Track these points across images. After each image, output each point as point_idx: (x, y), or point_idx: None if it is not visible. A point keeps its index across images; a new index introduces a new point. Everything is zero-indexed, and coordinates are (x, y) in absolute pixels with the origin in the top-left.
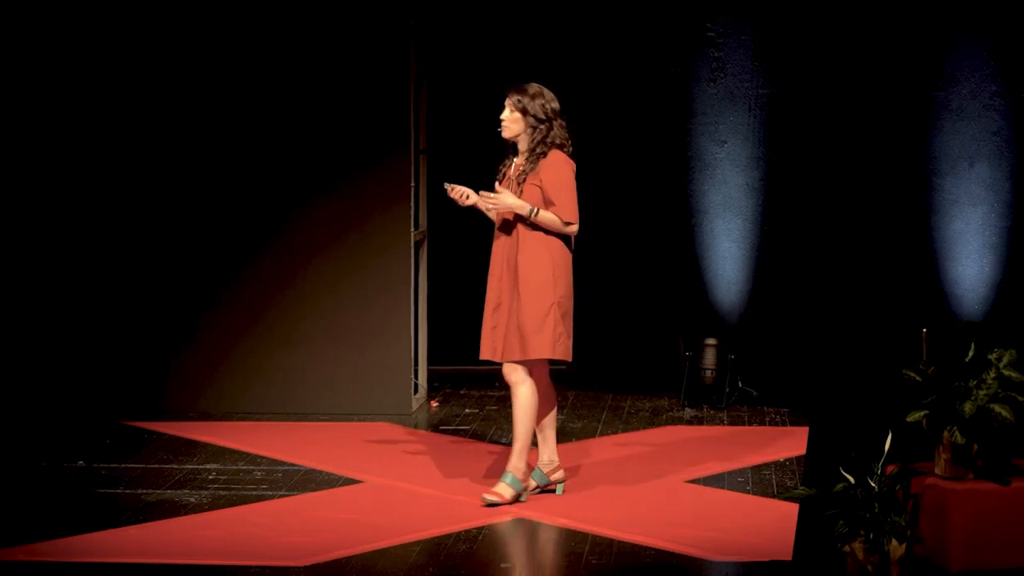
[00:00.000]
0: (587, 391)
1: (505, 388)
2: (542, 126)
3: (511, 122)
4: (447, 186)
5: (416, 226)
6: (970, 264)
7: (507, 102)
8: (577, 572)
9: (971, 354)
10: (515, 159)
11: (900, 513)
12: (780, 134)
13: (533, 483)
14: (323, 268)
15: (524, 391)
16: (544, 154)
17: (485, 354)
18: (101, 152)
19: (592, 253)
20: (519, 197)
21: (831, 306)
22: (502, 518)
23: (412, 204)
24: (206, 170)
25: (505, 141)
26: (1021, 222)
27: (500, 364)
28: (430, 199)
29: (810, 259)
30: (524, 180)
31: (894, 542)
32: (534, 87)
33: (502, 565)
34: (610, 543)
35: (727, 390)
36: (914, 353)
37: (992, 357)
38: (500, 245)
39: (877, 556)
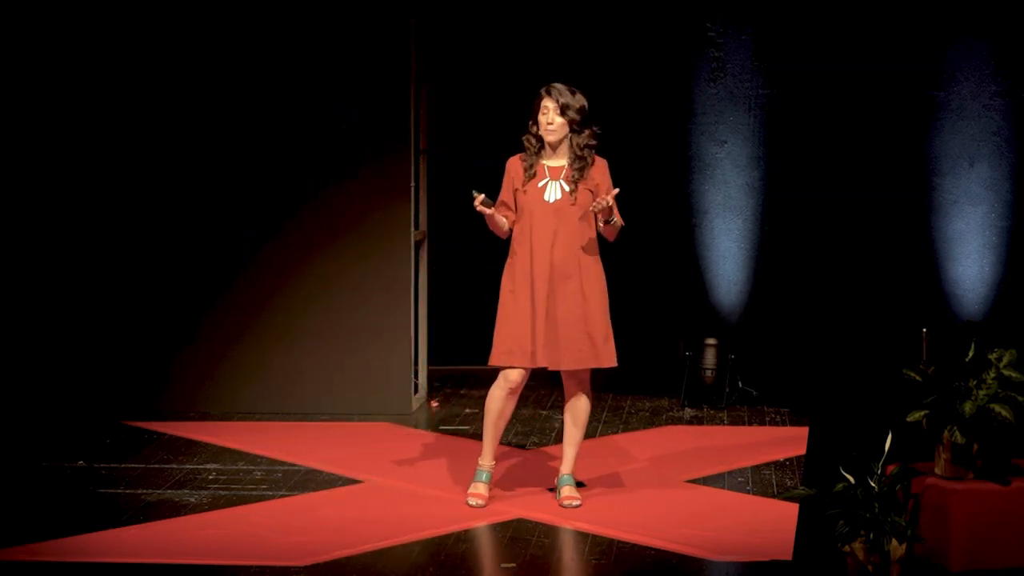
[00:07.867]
0: None
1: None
2: (586, 128)
3: (559, 126)
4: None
5: (416, 226)
6: (970, 264)
7: (549, 104)
8: (577, 572)
9: (971, 354)
10: (543, 160)
11: (900, 513)
12: (780, 134)
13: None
14: (323, 268)
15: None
16: (592, 159)
17: (542, 362)
18: (101, 152)
19: None
20: (575, 200)
21: (831, 306)
22: (502, 518)
23: (412, 204)
24: (206, 170)
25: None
26: (1021, 222)
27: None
28: (430, 199)
29: (810, 259)
30: (577, 183)
31: (894, 542)
32: (565, 86)
33: (502, 565)
34: (610, 543)
35: (727, 390)
36: (914, 353)
37: (992, 357)
38: (540, 249)
39: (877, 556)
